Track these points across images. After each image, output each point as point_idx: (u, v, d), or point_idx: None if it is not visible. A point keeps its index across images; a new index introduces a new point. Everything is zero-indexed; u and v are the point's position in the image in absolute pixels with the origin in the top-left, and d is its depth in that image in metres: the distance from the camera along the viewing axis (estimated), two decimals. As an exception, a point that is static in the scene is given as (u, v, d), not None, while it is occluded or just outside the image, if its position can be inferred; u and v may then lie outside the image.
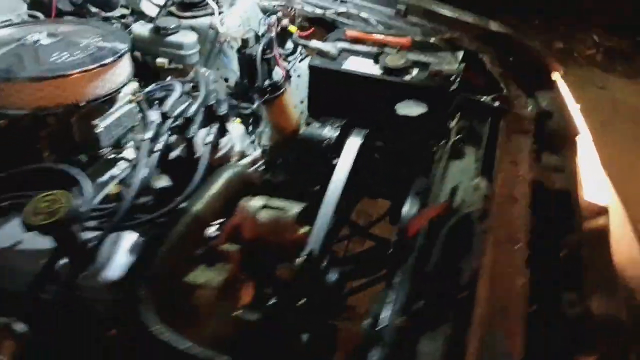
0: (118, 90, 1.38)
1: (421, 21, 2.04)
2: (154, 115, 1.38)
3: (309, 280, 1.27)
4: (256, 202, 1.28)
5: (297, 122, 1.64)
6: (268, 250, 1.20)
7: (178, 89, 1.49)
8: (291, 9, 2.03)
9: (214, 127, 1.43)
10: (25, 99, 1.27)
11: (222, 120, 1.46)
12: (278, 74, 1.98)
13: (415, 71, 1.82)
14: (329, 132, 1.65)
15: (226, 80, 1.93)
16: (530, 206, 1.34)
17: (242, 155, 1.62)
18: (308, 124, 1.84)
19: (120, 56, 1.36)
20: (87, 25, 1.49)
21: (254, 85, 1.87)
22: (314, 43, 1.93)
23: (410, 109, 1.69)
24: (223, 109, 1.47)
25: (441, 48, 1.94)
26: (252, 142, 1.75)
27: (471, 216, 1.20)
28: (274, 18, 2.01)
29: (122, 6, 2.15)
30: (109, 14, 2.03)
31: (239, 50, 1.93)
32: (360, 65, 1.86)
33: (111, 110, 1.36)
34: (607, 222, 1.60)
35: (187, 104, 1.45)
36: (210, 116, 1.44)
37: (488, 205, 1.25)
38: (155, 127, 1.36)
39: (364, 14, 2.04)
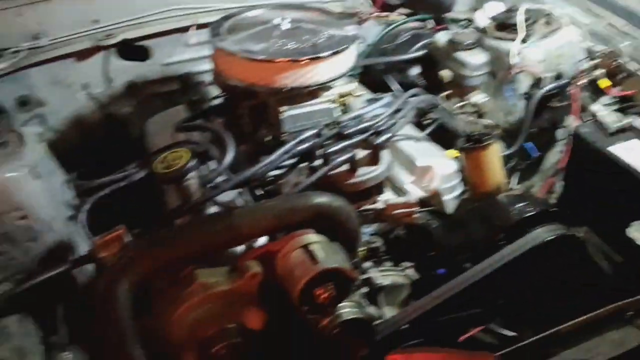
0: (322, 86, 1.43)
1: None
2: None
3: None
4: (307, 238, 1.16)
5: (497, 184, 1.41)
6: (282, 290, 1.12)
7: (380, 105, 1.47)
8: (614, 60, 1.67)
9: (354, 151, 1.36)
10: (242, 75, 1.43)
11: (374, 149, 1.39)
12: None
13: None
14: (524, 210, 1.39)
15: (506, 114, 1.78)
16: None
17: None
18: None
19: (322, 55, 1.39)
20: (334, 18, 1.58)
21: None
22: (594, 106, 1.57)
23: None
24: (380, 139, 1.39)
25: None
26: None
27: None
28: (586, 65, 1.72)
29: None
30: (451, 15, 2.07)
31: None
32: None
33: (306, 102, 1.45)
34: None
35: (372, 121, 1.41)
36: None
37: None
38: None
39: None
